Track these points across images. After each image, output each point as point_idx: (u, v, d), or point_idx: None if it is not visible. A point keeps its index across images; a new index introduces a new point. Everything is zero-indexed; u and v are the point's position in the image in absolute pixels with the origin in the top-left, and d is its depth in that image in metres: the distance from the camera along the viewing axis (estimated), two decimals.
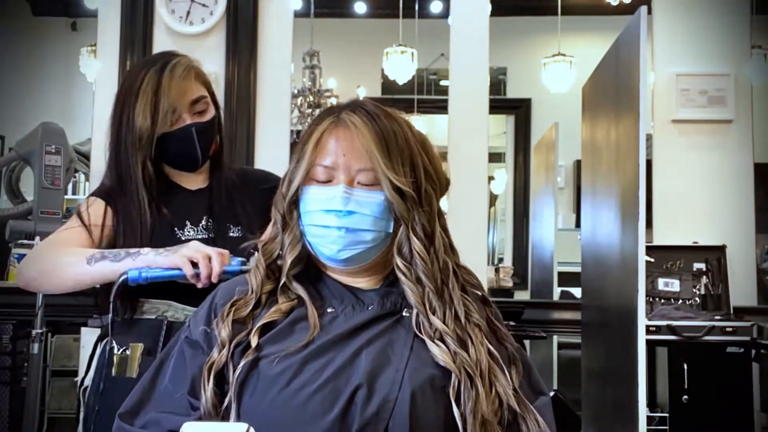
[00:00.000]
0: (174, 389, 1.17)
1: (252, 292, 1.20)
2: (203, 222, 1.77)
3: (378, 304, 1.18)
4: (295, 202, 1.20)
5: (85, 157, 4.37)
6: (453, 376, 1.09)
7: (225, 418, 1.10)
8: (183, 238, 1.73)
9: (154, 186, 1.74)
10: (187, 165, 1.81)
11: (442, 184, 1.25)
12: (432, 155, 1.24)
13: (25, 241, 3.43)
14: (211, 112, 1.80)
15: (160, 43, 4.31)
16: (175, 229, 1.74)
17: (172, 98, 1.70)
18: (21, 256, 4.70)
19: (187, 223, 1.76)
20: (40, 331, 3.34)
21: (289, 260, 1.20)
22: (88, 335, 4.12)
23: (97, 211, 1.72)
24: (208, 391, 1.11)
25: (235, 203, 1.79)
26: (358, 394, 1.05)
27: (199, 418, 1.12)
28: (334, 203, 1.15)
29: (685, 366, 3.42)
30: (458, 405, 1.08)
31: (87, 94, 5.58)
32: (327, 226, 1.16)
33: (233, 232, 1.77)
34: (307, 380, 1.07)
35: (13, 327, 4.43)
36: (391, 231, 1.18)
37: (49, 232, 3.39)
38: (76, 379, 4.18)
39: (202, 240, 1.70)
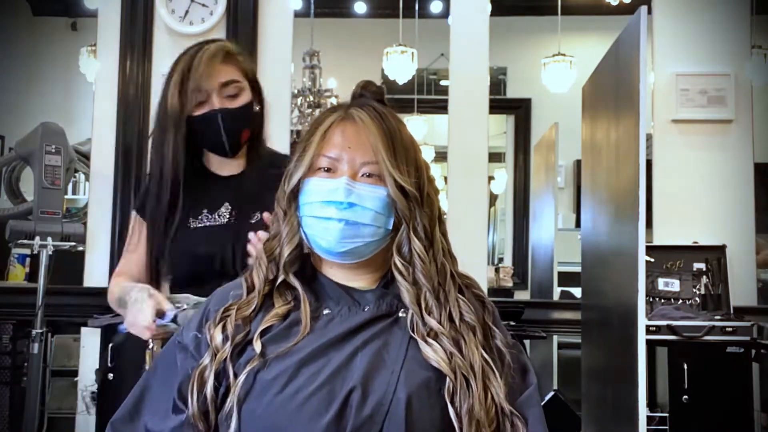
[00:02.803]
0: (163, 394, 1.17)
1: (255, 290, 1.19)
2: (222, 209, 1.78)
3: (374, 305, 1.17)
4: (295, 194, 1.20)
5: (85, 156, 4.37)
6: (447, 377, 1.09)
7: (219, 422, 1.10)
8: (192, 227, 1.77)
9: (181, 169, 1.76)
10: (217, 150, 1.81)
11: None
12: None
13: (25, 241, 3.43)
14: (244, 98, 1.79)
15: (160, 43, 4.31)
16: (190, 218, 1.78)
17: (198, 78, 1.72)
18: (21, 256, 4.71)
19: (204, 210, 1.78)
20: (40, 330, 3.35)
21: (286, 252, 1.19)
22: (88, 335, 4.12)
23: (136, 228, 1.85)
24: (193, 397, 1.11)
25: (266, 189, 1.79)
26: (352, 396, 1.05)
27: (186, 421, 1.12)
28: (335, 195, 1.15)
29: (685, 366, 3.42)
30: (453, 406, 1.07)
31: (87, 94, 5.56)
32: (327, 218, 1.15)
33: (254, 219, 1.75)
34: (302, 384, 1.06)
35: (13, 327, 4.42)
36: (390, 228, 1.18)
37: (48, 232, 3.41)
38: (76, 378, 4.20)
39: (215, 226, 1.75)
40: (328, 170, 1.17)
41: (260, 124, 1.88)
